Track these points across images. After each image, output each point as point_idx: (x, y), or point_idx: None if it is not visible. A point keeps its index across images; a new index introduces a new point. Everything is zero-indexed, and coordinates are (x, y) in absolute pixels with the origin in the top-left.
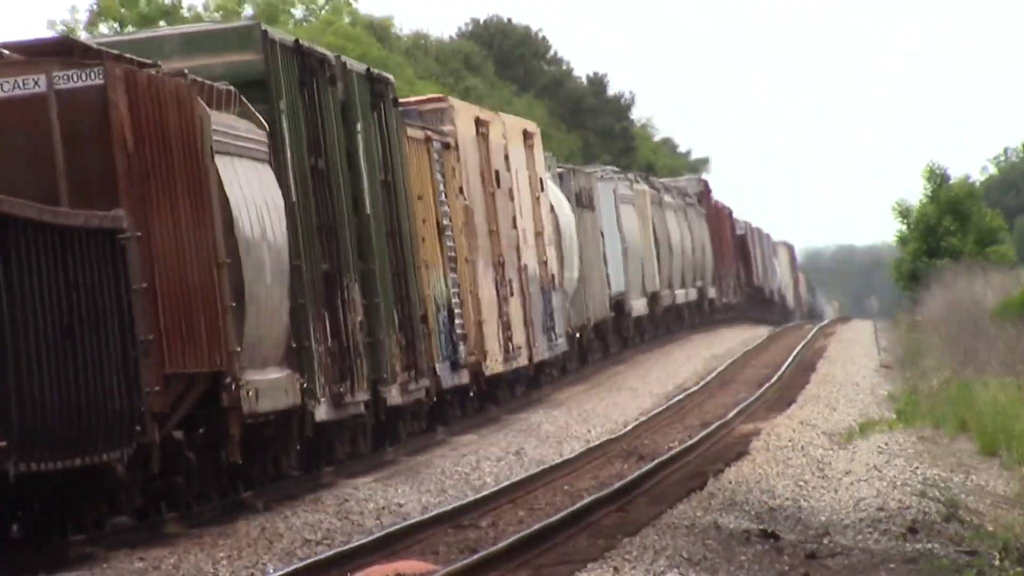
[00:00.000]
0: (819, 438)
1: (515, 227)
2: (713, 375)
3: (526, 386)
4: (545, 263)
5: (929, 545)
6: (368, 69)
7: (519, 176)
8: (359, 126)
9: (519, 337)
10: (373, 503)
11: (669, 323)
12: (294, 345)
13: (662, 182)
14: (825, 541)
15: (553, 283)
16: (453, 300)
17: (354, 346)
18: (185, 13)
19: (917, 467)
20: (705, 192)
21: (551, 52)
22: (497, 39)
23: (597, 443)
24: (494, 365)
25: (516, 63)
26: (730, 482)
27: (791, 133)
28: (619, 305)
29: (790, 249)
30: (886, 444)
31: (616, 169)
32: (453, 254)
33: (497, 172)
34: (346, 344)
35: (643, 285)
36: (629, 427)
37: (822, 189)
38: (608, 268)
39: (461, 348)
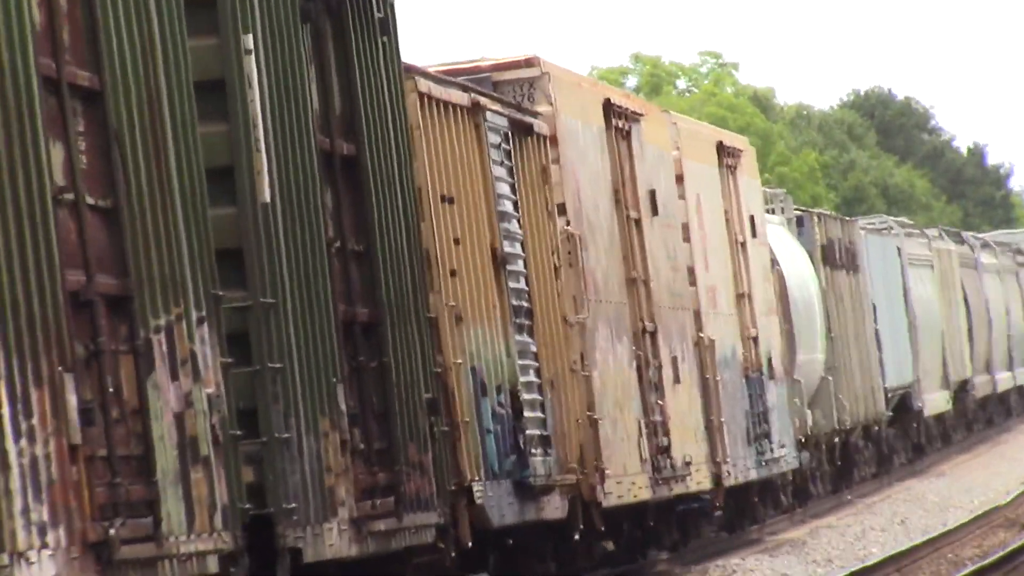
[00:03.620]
0: None
1: (693, 283)
2: None
3: (719, 524)
4: (754, 339)
5: None
6: None
7: (704, 206)
8: (252, 40)
9: (689, 445)
10: (759, 573)
11: (991, 415)
12: None
13: (982, 237)
14: None
15: (770, 369)
16: (522, 379)
17: (184, 447)
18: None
19: None
20: None
21: (931, 122)
22: (878, 109)
23: None
24: (626, 488)
25: (896, 133)
26: None
27: None
28: (903, 401)
29: None
30: None
31: (905, 221)
32: (527, 304)
33: (653, 192)
34: (150, 442)
35: (944, 373)
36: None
37: None
38: (883, 351)
39: (538, 459)
